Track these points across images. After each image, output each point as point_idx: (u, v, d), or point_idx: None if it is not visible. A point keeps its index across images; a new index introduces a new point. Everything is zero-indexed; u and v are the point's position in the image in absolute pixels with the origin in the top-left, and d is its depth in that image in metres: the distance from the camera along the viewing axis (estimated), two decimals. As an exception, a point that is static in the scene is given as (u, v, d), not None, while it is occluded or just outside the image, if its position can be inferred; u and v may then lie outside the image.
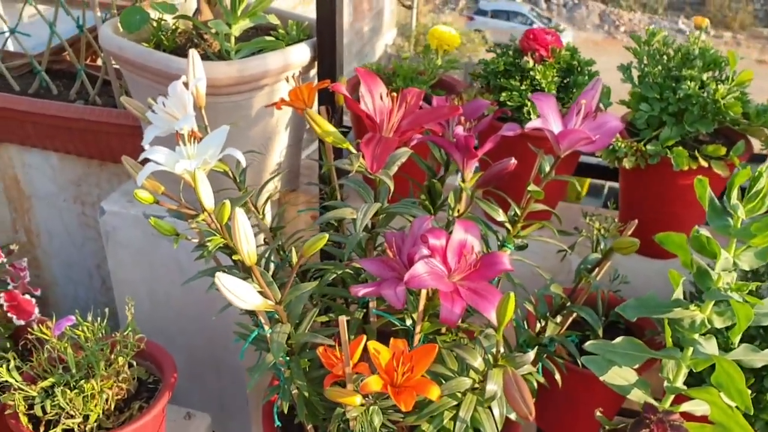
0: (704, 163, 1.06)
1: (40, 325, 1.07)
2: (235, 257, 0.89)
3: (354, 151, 0.88)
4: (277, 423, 0.97)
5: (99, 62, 1.67)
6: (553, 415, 1.20)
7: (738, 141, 1.10)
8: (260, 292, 0.81)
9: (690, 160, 1.06)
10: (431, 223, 0.85)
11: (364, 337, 0.80)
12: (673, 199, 1.12)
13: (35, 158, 1.62)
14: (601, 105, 1.14)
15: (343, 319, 0.77)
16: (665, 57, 1.13)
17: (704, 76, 1.08)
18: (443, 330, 0.96)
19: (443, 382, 0.84)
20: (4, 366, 1.01)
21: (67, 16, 1.54)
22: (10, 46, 1.71)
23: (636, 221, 0.92)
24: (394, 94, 0.87)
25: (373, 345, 0.77)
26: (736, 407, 0.84)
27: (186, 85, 0.88)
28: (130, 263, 1.42)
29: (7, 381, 1.01)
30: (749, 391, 0.83)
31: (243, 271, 0.92)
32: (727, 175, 1.06)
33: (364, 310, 0.99)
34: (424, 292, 0.86)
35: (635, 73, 1.15)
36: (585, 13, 11.01)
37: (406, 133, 0.86)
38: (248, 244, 0.77)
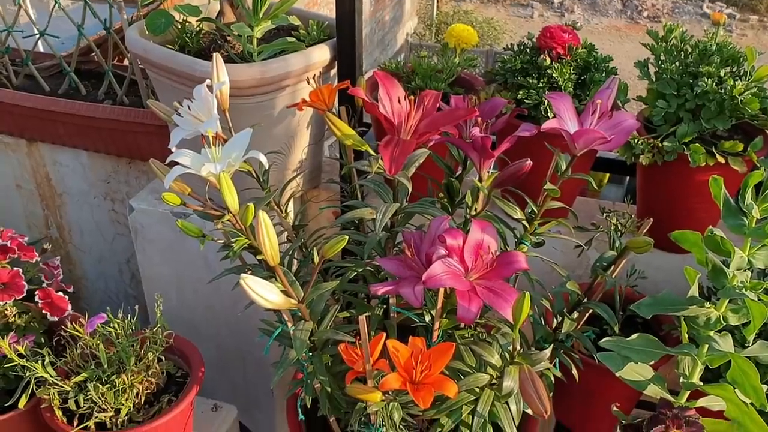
0: (721, 160, 1.06)
1: (73, 322, 1.11)
2: (259, 257, 0.92)
3: (373, 153, 0.90)
4: (301, 416, 1.00)
5: (126, 62, 1.71)
6: (572, 409, 1.22)
7: (756, 136, 1.10)
8: (283, 291, 0.84)
9: (707, 157, 1.06)
10: (448, 223, 0.87)
11: (384, 335, 0.83)
12: (691, 194, 1.13)
13: (66, 156, 1.66)
14: (618, 102, 1.14)
15: (363, 318, 0.79)
16: (682, 53, 1.13)
17: (722, 72, 1.07)
18: (462, 325, 0.98)
19: (462, 377, 0.86)
20: (40, 362, 1.05)
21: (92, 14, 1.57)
22: (40, 47, 1.75)
23: (651, 220, 0.93)
24: (412, 96, 0.88)
25: (392, 343, 0.79)
26: (752, 404, 0.85)
27: (210, 87, 0.91)
28: (158, 259, 1.46)
29: (42, 376, 1.05)
30: (765, 388, 0.84)
31: (267, 269, 0.94)
32: (745, 172, 1.06)
33: (385, 306, 1.02)
34: (441, 290, 0.88)
35: (652, 69, 1.15)
36: (607, -2, 10.82)
37: (423, 135, 0.88)
38: (271, 246, 0.80)
